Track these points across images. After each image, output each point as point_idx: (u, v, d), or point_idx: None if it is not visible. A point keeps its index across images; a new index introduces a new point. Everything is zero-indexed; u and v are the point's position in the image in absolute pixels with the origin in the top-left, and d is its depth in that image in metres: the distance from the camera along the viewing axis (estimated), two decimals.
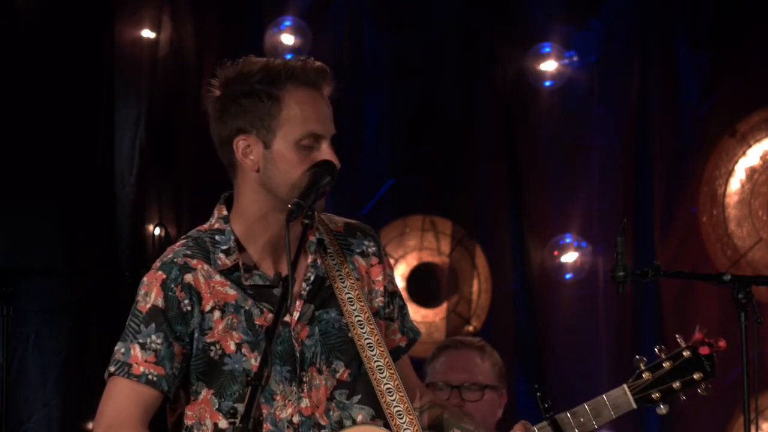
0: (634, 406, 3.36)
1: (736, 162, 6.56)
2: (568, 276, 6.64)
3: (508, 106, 6.78)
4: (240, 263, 3.25)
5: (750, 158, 6.55)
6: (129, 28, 6.47)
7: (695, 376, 3.36)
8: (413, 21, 6.77)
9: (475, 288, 6.69)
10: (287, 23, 6.72)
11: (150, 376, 3.20)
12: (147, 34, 6.51)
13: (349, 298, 3.29)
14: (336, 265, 3.32)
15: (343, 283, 3.30)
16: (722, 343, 3.40)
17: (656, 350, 3.38)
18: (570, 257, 6.64)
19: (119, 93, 6.40)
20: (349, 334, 3.28)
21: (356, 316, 3.28)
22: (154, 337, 3.21)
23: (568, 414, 3.36)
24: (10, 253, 5.99)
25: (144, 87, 6.47)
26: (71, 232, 6.15)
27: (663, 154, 6.60)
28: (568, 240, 6.65)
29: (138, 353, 3.20)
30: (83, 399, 6.09)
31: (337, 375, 3.27)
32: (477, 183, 6.76)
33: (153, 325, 3.21)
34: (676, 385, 3.35)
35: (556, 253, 6.65)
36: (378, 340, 3.27)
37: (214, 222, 3.33)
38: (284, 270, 3.19)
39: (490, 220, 6.77)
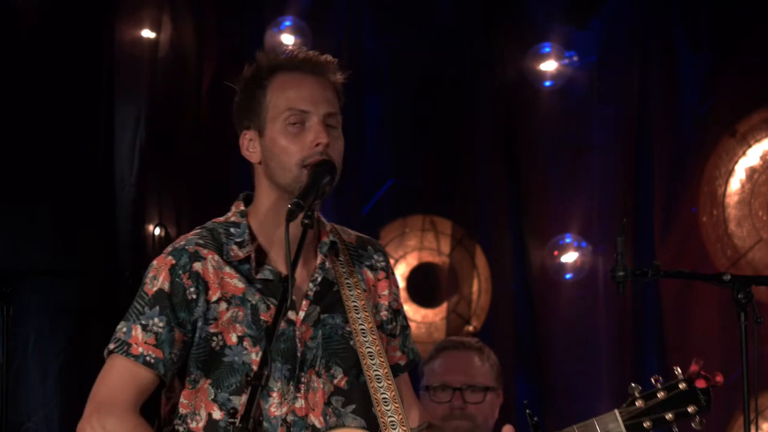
0: (624, 431, 3.31)
1: (736, 162, 6.56)
2: (568, 276, 6.64)
3: (508, 106, 6.78)
4: (252, 256, 3.27)
5: (750, 158, 6.55)
6: (129, 28, 6.47)
7: (689, 409, 3.29)
8: (413, 21, 6.77)
9: (475, 288, 6.69)
10: (287, 23, 6.72)
11: (148, 358, 3.21)
12: (147, 34, 6.50)
13: (354, 306, 3.31)
14: (345, 272, 3.34)
15: (350, 291, 3.33)
16: (719, 378, 3.31)
17: (652, 380, 3.33)
18: (570, 257, 6.64)
19: (119, 93, 6.39)
20: (352, 342, 3.30)
21: (360, 324, 3.30)
22: (156, 320, 3.22)
23: None
24: (10, 253, 5.98)
25: (144, 87, 6.47)
26: (71, 232, 6.15)
27: (663, 154, 6.60)
28: (568, 240, 6.64)
29: (139, 334, 3.22)
30: (83, 399, 6.08)
31: (335, 381, 3.28)
32: (477, 183, 6.75)
33: (157, 308, 3.23)
34: (669, 416, 3.29)
35: (556, 253, 6.65)
36: (379, 350, 3.29)
37: (231, 215, 3.37)
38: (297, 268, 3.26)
39: (490, 220, 6.76)
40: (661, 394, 3.29)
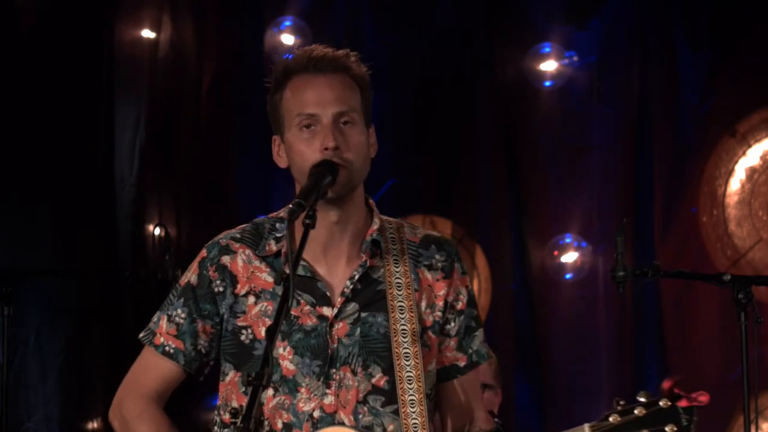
0: None
1: (736, 162, 6.56)
2: (568, 276, 6.65)
3: (508, 106, 6.78)
4: (284, 251, 3.26)
5: (750, 158, 6.56)
6: (129, 28, 6.48)
7: (667, 428, 3.07)
8: (413, 21, 6.77)
9: (475, 288, 6.69)
10: (287, 23, 6.72)
11: (167, 348, 3.27)
12: (147, 34, 6.51)
13: (400, 306, 3.27)
14: (398, 272, 3.31)
15: (399, 291, 3.29)
16: (703, 398, 3.11)
17: (638, 397, 3.20)
18: (570, 257, 6.64)
19: (119, 93, 6.40)
20: (391, 342, 3.27)
21: (402, 325, 3.26)
22: (179, 311, 3.28)
23: None
24: (10, 253, 5.99)
25: (144, 87, 6.48)
26: (71, 232, 6.15)
27: (663, 154, 6.60)
28: (568, 240, 6.65)
29: (164, 324, 3.29)
30: (83, 399, 6.09)
31: (373, 380, 3.24)
32: (477, 183, 6.76)
33: (182, 299, 3.29)
34: None
35: (556, 253, 6.66)
36: (416, 352, 3.25)
37: (281, 211, 3.36)
38: (334, 264, 3.27)
39: (490, 220, 6.77)
40: (639, 411, 3.09)
